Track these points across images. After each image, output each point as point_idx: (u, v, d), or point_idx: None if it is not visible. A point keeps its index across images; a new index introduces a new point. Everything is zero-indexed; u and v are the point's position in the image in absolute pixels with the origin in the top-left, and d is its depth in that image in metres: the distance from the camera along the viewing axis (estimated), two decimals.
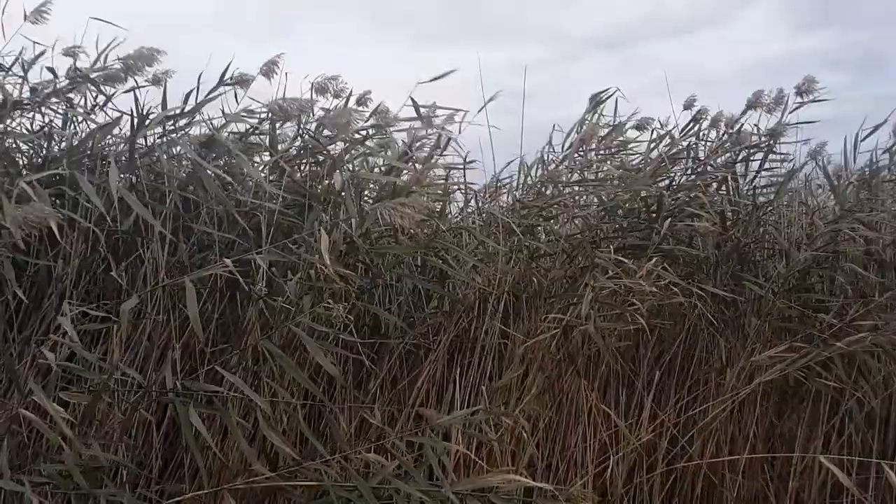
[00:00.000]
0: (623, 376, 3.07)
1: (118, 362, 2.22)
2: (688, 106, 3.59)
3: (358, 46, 2.86)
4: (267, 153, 3.03)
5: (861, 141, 3.63)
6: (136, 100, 2.84)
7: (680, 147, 3.54)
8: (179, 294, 2.59)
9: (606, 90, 3.55)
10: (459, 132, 3.20)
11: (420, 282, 2.96)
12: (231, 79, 2.99)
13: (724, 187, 3.47)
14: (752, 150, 3.54)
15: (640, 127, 3.58)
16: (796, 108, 3.47)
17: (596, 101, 3.56)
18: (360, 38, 2.83)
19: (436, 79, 2.96)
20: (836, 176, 3.71)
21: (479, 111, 3.16)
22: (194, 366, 2.49)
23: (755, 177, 3.56)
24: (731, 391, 2.98)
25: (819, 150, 3.66)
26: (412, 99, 3.04)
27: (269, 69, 3.14)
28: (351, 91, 3.07)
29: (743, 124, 3.54)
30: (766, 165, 3.57)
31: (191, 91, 2.94)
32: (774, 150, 3.53)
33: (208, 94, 2.96)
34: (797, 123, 3.50)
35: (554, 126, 3.52)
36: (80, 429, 2.20)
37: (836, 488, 3.06)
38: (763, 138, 3.50)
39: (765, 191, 3.58)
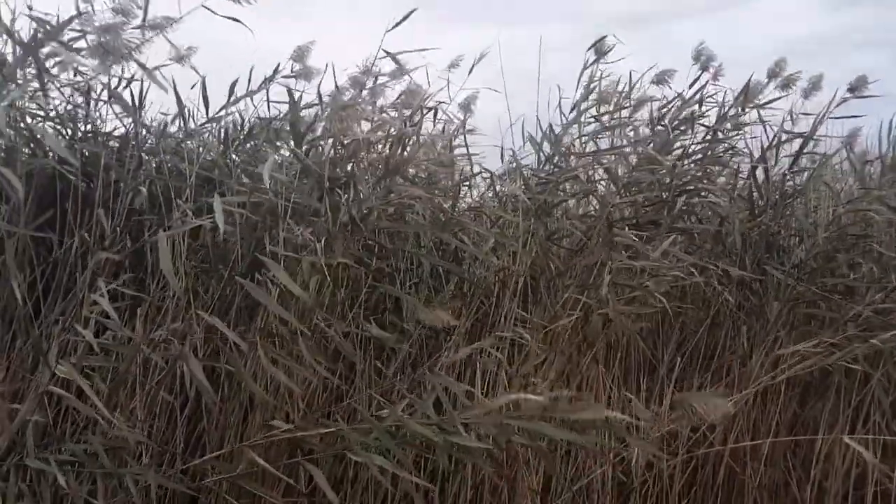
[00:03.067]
0: (645, 362, 3.05)
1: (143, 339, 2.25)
2: (714, 75, 3.45)
3: (378, 26, 2.85)
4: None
5: None
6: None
7: (689, 111, 3.39)
8: (202, 277, 2.63)
9: (605, 37, 3.40)
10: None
11: (437, 261, 2.96)
12: (293, 71, 3.02)
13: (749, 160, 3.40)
14: (782, 140, 3.44)
15: (659, 81, 3.43)
16: (841, 103, 3.39)
17: (599, 51, 3.41)
18: (382, 18, 2.82)
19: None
20: (864, 159, 3.64)
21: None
22: (216, 347, 2.52)
23: (792, 163, 3.44)
24: (754, 379, 2.95)
25: (853, 136, 3.58)
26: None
27: (301, 55, 3.15)
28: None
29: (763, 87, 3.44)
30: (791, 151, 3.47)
31: (236, 81, 3.00)
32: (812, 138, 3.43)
33: (260, 86, 3.02)
34: (841, 117, 3.43)
35: (558, 87, 3.38)
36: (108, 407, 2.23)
37: (860, 477, 3.03)
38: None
39: (794, 178, 3.48)
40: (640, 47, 3.33)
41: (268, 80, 3.02)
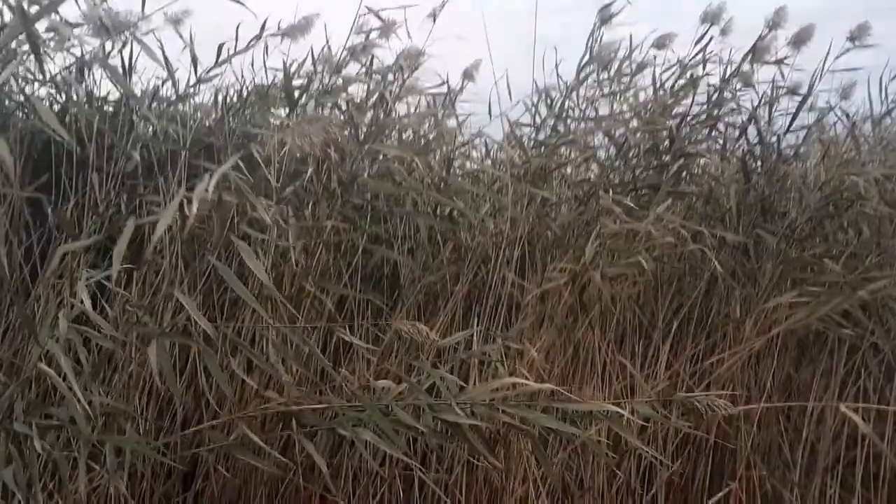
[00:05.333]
0: (640, 327, 3.06)
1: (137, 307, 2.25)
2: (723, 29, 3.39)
3: None
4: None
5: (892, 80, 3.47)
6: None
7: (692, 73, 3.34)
8: (199, 244, 2.63)
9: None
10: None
11: (433, 221, 2.96)
12: (279, 29, 2.99)
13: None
14: (778, 95, 3.38)
15: (660, 45, 3.39)
16: (841, 55, 3.31)
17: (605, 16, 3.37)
18: None
19: None
20: (862, 120, 3.61)
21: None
22: (213, 315, 2.53)
23: (790, 123, 3.38)
24: (746, 342, 2.96)
25: (848, 91, 3.52)
26: None
27: (305, 25, 3.12)
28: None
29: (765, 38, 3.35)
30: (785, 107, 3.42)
31: (223, 43, 2.95)
32: (800, 94, 3.38)
33: (248, 44, 2.97)
34: (842, 70, 3.34)
35: (556, 50, 3.30)
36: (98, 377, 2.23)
37: (850, 439, 3.06)
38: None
39: (790, 138, 3.45)
40: (641, 16, 3.27)
41: (255, 39, 2.98)
